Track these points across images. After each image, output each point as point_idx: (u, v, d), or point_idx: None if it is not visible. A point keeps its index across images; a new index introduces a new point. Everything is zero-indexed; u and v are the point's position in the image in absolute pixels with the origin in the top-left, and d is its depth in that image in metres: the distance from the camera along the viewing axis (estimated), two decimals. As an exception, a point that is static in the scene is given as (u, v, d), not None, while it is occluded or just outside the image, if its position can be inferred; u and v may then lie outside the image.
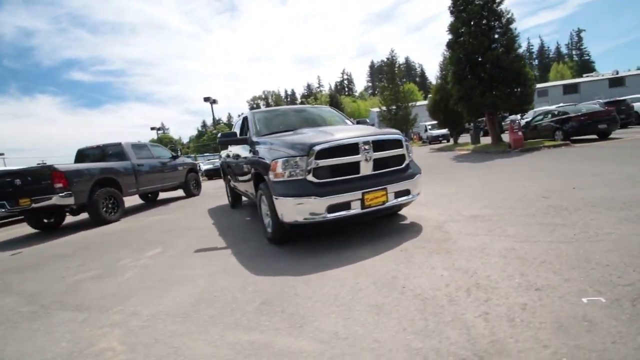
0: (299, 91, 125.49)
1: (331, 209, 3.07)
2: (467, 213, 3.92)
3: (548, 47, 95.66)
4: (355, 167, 3.25)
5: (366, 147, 3.25)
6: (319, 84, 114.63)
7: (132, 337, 2.07)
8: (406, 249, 3.00)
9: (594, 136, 11.30)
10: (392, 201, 3.36)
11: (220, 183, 16.50)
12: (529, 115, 17.13)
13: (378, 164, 3.35)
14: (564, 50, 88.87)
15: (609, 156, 7.11)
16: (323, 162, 3.12)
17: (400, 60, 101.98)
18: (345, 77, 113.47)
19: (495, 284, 2.11)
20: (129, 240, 5.08)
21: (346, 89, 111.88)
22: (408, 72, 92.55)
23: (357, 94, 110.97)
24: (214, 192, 11.78)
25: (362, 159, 3.24)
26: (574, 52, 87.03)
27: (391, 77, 32.31)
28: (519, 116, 19.42)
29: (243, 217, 5.71)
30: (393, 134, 3.54)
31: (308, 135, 3.51)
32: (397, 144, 3.51)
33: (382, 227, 3.82)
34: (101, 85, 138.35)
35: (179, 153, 10.54)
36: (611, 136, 11.12)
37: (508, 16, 11.79)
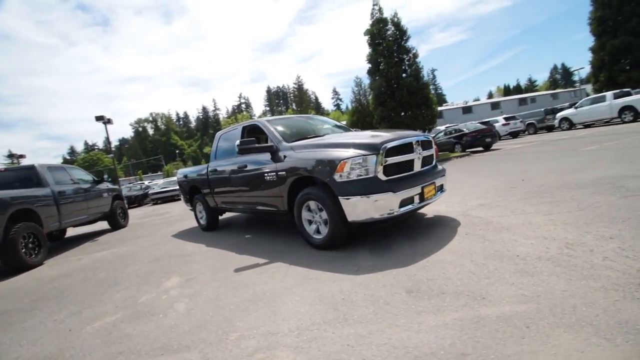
0: (193, 114, 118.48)
1: (401, 203, 3.24)
2: (473, 203, 4.60)
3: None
4: (411, 164, 3.52)
5: (418, 146, 3.58)
6: (214, 107, 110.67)
7: (314, 351, 1.79)
8: (467, 232, 3.38)
9: (480, 148, 14.42)
10: (438, 194, 3.74)
11: (140, 212, 14.27)
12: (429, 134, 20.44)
13: (423, 161, 3.71)
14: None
15: (512, 159, 9.24)
16: (390, 160, 3.29)
17: (295, 87, 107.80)
18: (243, 101, 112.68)
19: (580, 240, 2.66)
20: (105, 278, 4.02)
21: (244, 113, 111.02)
22: (302, 98, 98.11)
23: (255, 117, 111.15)
24: (144, 221, 10.14)
25: (416, 156, 3.54)
26: (430, 87, 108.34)
27: (300, 100, 33.89)
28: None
29: (237, 236, 5.19)
30: (427, 135, 3.96)
31: (360, 136, 3.63)
32: (430, 144, 3.95)
33: (414, 225, 4.13)
34: None
35: (106, 177, 8.74)
36: (492, 148, 14.39)
37: (414, 51, 14.24)
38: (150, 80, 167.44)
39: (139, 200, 18.59)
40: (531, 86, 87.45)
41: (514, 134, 20.46)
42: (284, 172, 3.89)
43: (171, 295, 3.05)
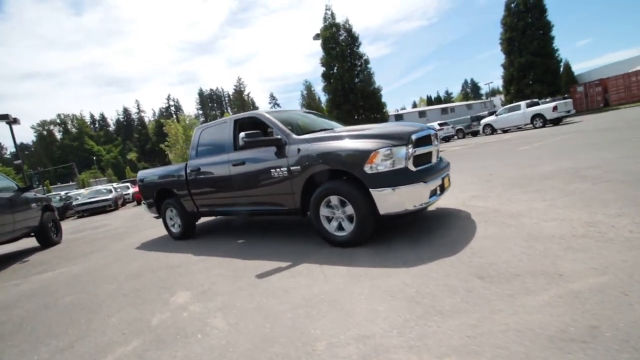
0: (111, 116, 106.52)
1: (430, 194, 3.25)
2: (465, 196, 4.87)
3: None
4: (429, 156, 3.58)
5: (435, 137, 3.66)
6: (138, 109, 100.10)
7: (434, 347, 1.64)
8: (485, 220, 3.54)
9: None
10: (450, 186, 3.86)
11: (68, 226, 12.08)
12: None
13: (437, 153, 3.80)
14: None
15: (463, 159, 10.14)
16: (418, 151, 3.29)
17: (231, 91, 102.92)
18: (172, 103, 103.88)
19: (595, 219, 2.96)
20: (77, 303, 3.24)
21: (174, 116, 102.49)
22: (243, 102, 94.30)
23: (188, 121, 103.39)
24: (80, 235, 8.65)
25: (434, 148, 3.62)
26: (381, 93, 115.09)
27: (241, 103, 32.85)
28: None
29: (226, 242, 4.68)
30: (434, 128, 4.08)
31: (382, 127, 3.56)
32: (437, 137, 4.07)
33: (424, 217, 4.21)
34: None
35: (36, 183, 7.12)
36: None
37: (365, 57, 14.82)
38: (54, 77, 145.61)
39: (60, 213, 15.81)
40: (448, 97, 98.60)
41: (447, 139, 22.67)
42: (298, 167, 3.61)
43: (194, 312, 2.57)
